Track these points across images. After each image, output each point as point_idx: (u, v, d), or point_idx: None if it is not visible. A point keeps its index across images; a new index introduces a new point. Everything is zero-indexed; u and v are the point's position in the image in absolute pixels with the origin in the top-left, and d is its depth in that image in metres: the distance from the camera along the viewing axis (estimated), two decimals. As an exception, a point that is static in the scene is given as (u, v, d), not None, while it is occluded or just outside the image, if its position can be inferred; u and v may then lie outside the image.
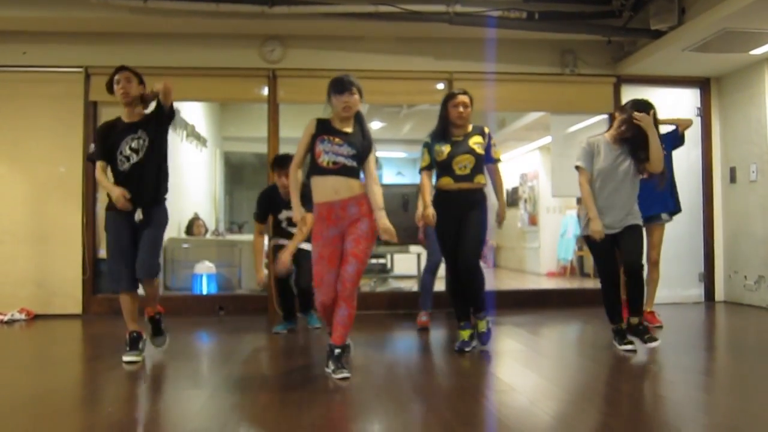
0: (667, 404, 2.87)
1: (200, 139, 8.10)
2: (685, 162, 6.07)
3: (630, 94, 5.69)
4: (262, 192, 4.86)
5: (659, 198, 4.60)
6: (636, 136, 3.77)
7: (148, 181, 3.68)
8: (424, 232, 4.92)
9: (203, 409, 2.77)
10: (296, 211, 3.36)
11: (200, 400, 2.89)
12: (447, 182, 3.88)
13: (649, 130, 3.72)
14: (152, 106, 3.79)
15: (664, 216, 4.74)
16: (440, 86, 6.07)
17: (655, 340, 3.81)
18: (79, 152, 5.74)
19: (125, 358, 3.63)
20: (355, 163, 3.27)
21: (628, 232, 3.82)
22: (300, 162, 3.38)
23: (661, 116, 3.98)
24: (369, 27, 5.66)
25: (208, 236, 7.55)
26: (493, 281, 8.59)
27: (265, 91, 5.97)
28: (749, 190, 6.02)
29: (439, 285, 5.02)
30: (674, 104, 6.04)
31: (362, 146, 3.29)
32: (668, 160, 4.62)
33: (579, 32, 5.80)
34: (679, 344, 4.34)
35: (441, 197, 3.90)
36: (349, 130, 3.32)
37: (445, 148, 3.88)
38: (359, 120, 3.37)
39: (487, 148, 3.92)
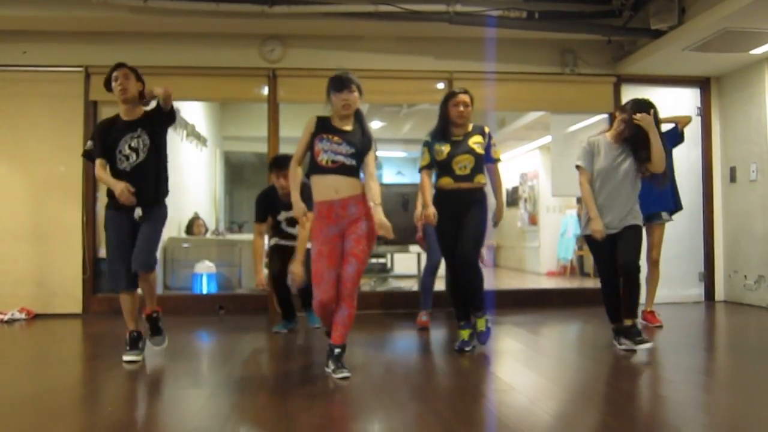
0: (667, 404, 2.87)
1: (200, 139, 8.10)
2: (685, 162, 6.07)
3: (630, 93, 5.68)
4: (260, 193, 4.85)
5: (660, 197, 4.60)
6: (637, 135, 3.76)
7: (149, 181, 3.67)
8: (424, 232, 4.92)
9: (203, 408, 2.77)
10: (297, 208, 3.35)
11: (200, 400, 2.89)
12: (447, 182, 3.88)
13: (650, 129, 3.71)
14: (152, 104, 3.79)
15: (664, 215, 4.74)
16: (440, 86, 6.07)
17: (647, 342, 3.76)
18: (79, 152, 5.65)
19: (125, 358, 3.64)
20: (354, 162, 3.26)
21: (627, 232, 3.80)
22: (300, 159, 3.38)
23: (660, 115, 3.98)
24: (369, 26, 5.66)
25: (208, 236, 7.55)
26: (493, 281, 8.60)
27: (265, 90, 5.97)
28: (749, 190, 6.02)
29: (439, 285, 5.02)
30: (674, 104, 6.04)
31: (362, 144, 3.27)
32: (668, 159, 4.61)
33: (579, 32, 5.80)
34: (679, 344, 4.34)
35: (441, 197, 3.89)
36: (348, 128, 3.31)
37: (445, 148, 3.87)
38: (359, 118, 3.35)
39: (487, 147, 3.91)
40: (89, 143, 3.84)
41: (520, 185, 10.90)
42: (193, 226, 7.29)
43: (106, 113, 5.40)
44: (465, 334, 3.94)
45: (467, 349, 3.87)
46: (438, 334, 4.73)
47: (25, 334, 5.00)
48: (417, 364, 3.88)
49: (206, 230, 7.52)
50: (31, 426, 2.55)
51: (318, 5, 5.34)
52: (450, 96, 3.94)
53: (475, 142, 3.88)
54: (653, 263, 4.76)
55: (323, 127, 3.30)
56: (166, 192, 3.81)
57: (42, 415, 2.68)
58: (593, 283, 6.67)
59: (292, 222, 4.69)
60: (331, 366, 3.26)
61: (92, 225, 5.76)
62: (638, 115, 3.71)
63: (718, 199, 6.37)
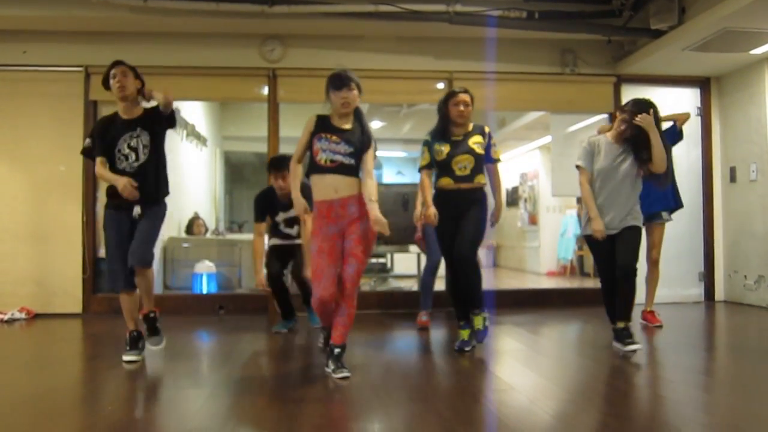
0: (667, 404, 2.87)
1: (200, 139, 8.10)
2: (685, 161, 6.08)
3: (630, 93, 5.68)
4: (258, 194, 4.83)
5: (660, 196, 4.60)
6: (637, 135, 3.76)
7: (149, 181, 3.67)
8: (423, 232, 4.92)
9: (203, 408, 2.77)
10: (298, 204, 3.35)
11: (200, 400, 2.89)
12: (447, 182, 3.88)
13: (651, 130, 3.70)
14: (152, 102, 3.78)
15: (664, 215, 4.74)
16: (440, 86, 6.07)
17: (635, 344, 3.69)
18: (79, 151, 5.72)
19: (125, 358, 3.64)
20: (353, 161, 3.25)
21: (627, 233, 3.79)
22: (300, 157, 3.37)
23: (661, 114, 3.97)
24: (369, 26, 5.66)
25: (208, 235, 7.55)
26: (493, 280, 8.61)
27: (265, 90, 5.97)
28: (749, 190, 6.02)
29: (439, 285, 5.02)
30: (674, 104, 6.03)
31: (360, 143, 3.26)
32: (668, 157, 4.61)
33: (579, 32, 5.80)
34: (679, 344, 4.34)
35: (440, 197, 3.89)
36: (347, 126, 3.30)
37: (445, 148, 3.87)
38: (358, 116, 3.34)
39: (487, 147, 3.91)
40: (88, 141, 3.82)
41: (520, 185, 10.90)
42: (193, 225, 7.29)
43: (106, 113, 5.40)
44: (465, 334, 3.94)
45: (467, 349, 3.87)
46: (438, 334, 4.73)
47: (25, 333, 5.00)
48: (417, 364, 3.88)
49: (206, 230, 7.52)
50: (31, 426, 2.55)
51: (318, 5, 5.35)
52: (450, 95, 3.93)
53: (475, 142, 3.87)
54: (653, 263, 4.76)
55: (323, 126, 3.29)
56: (166, 192, 3.81)
57: (42, 415, 2.68)
58: (593, 283, 6.67)
59: (290, 223, 4.69)
60: (331, 366, 3.26)
61: (92, 225, 5.76)
62: (638, 117, 3.70)
63: (718, 199, 6.37)
